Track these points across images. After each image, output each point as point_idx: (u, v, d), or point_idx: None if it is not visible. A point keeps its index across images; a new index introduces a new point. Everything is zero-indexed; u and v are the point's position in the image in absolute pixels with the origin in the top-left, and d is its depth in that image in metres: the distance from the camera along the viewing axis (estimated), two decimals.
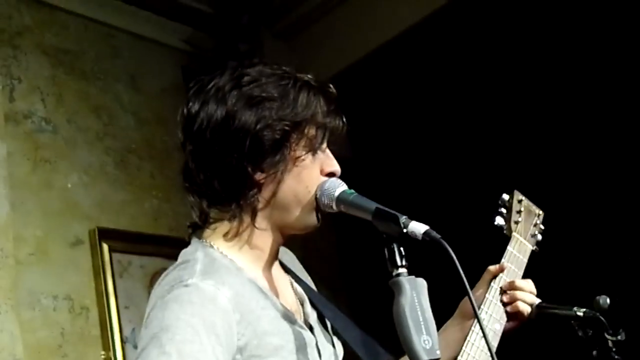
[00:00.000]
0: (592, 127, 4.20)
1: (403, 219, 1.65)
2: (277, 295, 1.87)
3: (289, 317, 1.83)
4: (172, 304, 1.68)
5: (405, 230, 1.64)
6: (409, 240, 1.65)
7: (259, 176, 1.80)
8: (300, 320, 1.90)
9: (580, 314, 2.08)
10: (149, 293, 1.78)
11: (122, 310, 3.85)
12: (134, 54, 4.49)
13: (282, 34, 5.01)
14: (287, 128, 1.79)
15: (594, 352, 2.04)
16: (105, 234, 3.91)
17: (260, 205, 1.83)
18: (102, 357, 3.75)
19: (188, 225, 1.91)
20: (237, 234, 1.85)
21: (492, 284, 2.02)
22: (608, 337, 2.04)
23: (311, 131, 1.83)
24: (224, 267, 1.79)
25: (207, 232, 1.87)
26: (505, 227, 2.11)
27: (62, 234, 3.83)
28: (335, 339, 2.01)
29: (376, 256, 1.66)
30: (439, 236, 1.61)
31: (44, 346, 3.60)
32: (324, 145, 1.87)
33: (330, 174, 1.87)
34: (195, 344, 1.63)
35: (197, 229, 1.89)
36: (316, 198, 1.84)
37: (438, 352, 1.57)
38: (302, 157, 1.82)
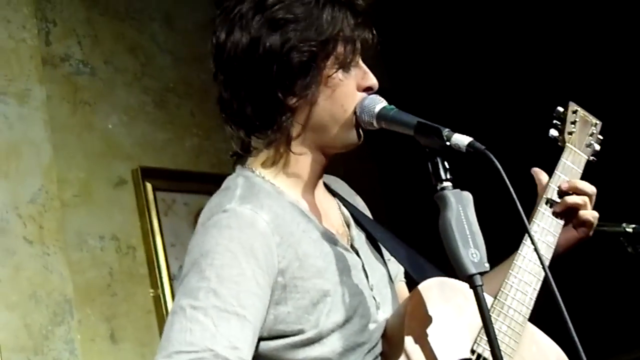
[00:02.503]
0: None
1: (446, 131, 1.62)
2: (320, 218, 1.86)
3: (331, 239, 1.82)
4: (211, 229, 1.69)
5: (448, 143, 1.61)
6: (453, 153, 1.62)
7: (290, 100, 1.78)
8: (346, 243, 1.88)
9: (629, 230, 2.05)
10: (194, 230, 1.78)
11: (169, 248, 3.87)
12: None
13: None
14: (313, 48, 1.76)
15: None
16: (148, 173, 3.93)
17: (295, 130, 1.81)
18: (151, 294, 3.80)
19: (231, 154, 1.91)
20: (275, 160, 1.84)
21: (544, 194, 1.96)
22: None
23: (340, 48, 1.79)
24: (264, 191, 1.78)
25: (250, 159, 1.87)
26: (559, 139, 2.05)
27: (105, 175, 3.85)
28: (389, 259, 1.99)
29: (419, 181, 1.64)
30: (483, 147, 1.58)
31: (93, 286, 3.64)
32: (357, 60, 1.83)
33: (368, 89, 1.83)
34: (234, 268, 1.64)
35: (240, 158, 1.89)
36: (356, 115, 1.80)
37: (487, 264, 1.55)
38: (334, 76, 1.79)
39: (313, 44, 1.75)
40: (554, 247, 1.91)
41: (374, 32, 1.84)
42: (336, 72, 1.79)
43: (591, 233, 1.98)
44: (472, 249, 1.54)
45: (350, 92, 1.82)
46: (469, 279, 1.53)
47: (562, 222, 1.94)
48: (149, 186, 3.92)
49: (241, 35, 1.78)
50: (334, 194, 2.00)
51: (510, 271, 1.86)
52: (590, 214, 1.95)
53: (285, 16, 1.76)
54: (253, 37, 1.77)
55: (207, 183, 3.85)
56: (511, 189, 1.56)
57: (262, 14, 1.77)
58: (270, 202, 1.75)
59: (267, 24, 1.76)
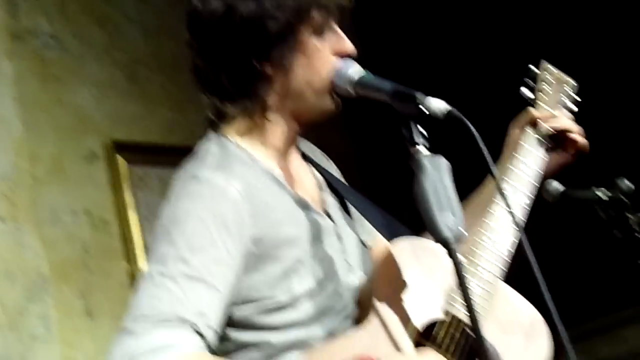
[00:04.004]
0: None
1: (422, 96, 1.62)
2: (293, 184, 1.86)
3: (305, 206, 1.82)
4: (182, 197, 1.69)
5: (425, 109, 1.61)
6: (429, 120, 1.62)
7: (266, 68, 1.78)
8: (319, 208, 1.88)
9: (604, 197, 2.06)
10: None
11: (143, 222, 3.85)
12: None
13: None
14: (289, 16, 1.75)
15: (616, 232, 2.03)
16: (120, 148, 3.89)
17: (272, 99, 1.81)
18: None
19: (206, 120, 1.89)
20: (250, 128, 1.83)
21: (517, 154, 1.96)
22: (630, 216, 2.03)
23: (315, 14, 1.79)
24: (238, 159, 1.77)
25: (224, 127, 1.86)
26: (531, 98, 2.06)
27: (77, 150, 3.81)
28: (362, 223, 1.99)
29: (392, 147, 1.63)
30: (459, 114, 1.58)
31: (68, 262, 3.62)
32: (332, 25, 1.82)
33: (344, 55, 1.83)
34: (204, 237, 1.64)
35: (214, 124, 1.88)
36: (332, 82, 1.80)
37: (462, 230, 1.54)
38: (309, 43, 1.79)
39: (289, 11, 1.75)
40: (527, 207, 1.92)
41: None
42: (312, 38, 1.79)
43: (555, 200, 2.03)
44: (448, 213, 1.53)
45: (326, 59, 1.81)
46: (444, 242, 1.53)
47: (533, 181, 1.95)
48: (121, 160, 3.89)
49: (217, 3, 1.77)
50: (307, 158, 2.00)
51: (481, 230, 1.86)
52: (579, 136, 1.99)
53: None
54: (229, 4, 1.76)
55: (180, 156, 3.78)
56: (486, 153, 1.57)
57: None
58: (243, 170, 1.75)
59: None
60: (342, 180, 2.06)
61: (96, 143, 3.87)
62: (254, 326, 1.74)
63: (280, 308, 1.73)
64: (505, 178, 1.93)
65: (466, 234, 1.55)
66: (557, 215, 2.02)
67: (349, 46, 1.84)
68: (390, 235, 1.91)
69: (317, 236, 1.80)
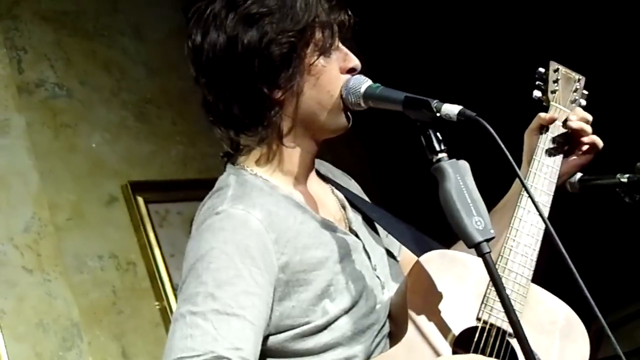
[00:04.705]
0: None
1: (434, 102, 1.62)
2: (316, 207, 1.85)
3: (329, 227, 1.81)
4: (205, 233, 1.68)
5: (438, 114, 1.60)
6: (444, 124, 1.62)
7: (276, 94, 1.77)
8: (344, 227, 1.88)
9: (624, 180, 2.06)
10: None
11: (168, 259, 3.86)
12: (133, 4, 4.42)
13: None
14: (292, 39, 1.74)
15: None
16: (137, 187, 3.91)
17: (285, 123, 1.80)
18: (157, 307, 3.78)
19: (222, 155, 1.89)
20: (268, 156, 1.82)
21: (534, 156, 1.97)
22: None
23: (318, 34, 1.78)
24: (257, 189, 1.76)
25: (241, 158, 1.85)
26: (543, 99, 2.06)
27: (96, 195, 3.83)
28: (388, 237, 1.99)
29: (409, 157, 1.63)
30: (474, 114, 1.57)
31: (98, 307, 3.64)
32: (336, 43, 1.81)
33: (351, 70, 1.82)
34: (230, 270, 1.63)
35: (231, 157, 1.87)
36: (342, 98, 1.80)
37: (492, 231, 1.55)
38: (316, 63, 1.78)
39: (291, 34, 1.74)
40: (549, 206, 1.92)
41: (349, 13, 1.82)
42: (317, 58, 1.78)
43: (577, 190, 2.02)
44: (476, 217, 1.53)
45: (334, 77, 1.80)
46: (476, 246, 1.53)
47: (554, 181, 1.95)
48: (140, 200, 3.90)
49: (217, 35, 1.76)
50: (326, 179, 2.00)
51: (508, 235, 1.86)
52: (594, 137, 1.98)
53: (260, 10, 1.75)
54: (230, 35, 1.75)
55: (197, 189, 3.81)
56: (506, 152, 1.56)
57: (236, 11, 1.76)
58: (263, 200, 1.74)
59: (242, 20, 1.75)
60: (364, 196, 2.06)
61: (114, 186, 3.89)
62: (291, 353, 1.73)
63: (316, 332, 1.72)
64: (528, 181, 1.93)
65: (494, 235, 1.55)
66: (583, 204, 2.00)
67: (355, 61, 1.83)
68: (416, 247, 1.90)
69: (345, 255, 1.79)
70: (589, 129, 1.98)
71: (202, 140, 4.05)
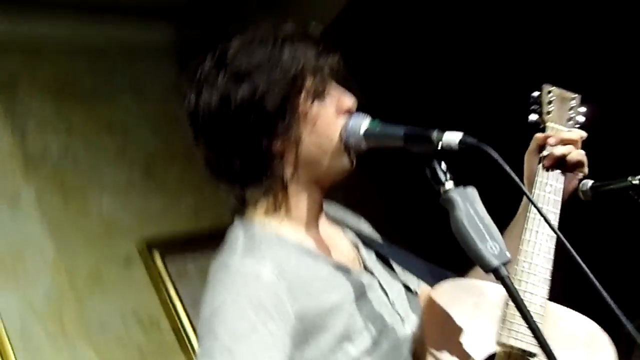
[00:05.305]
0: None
1: (434, 133, 1.62)
2: (328, 250, 1.84)
3: (343, 269, 1.80)
4: (218, 287, 1.68)
5: (440, 145, 1.61)
6: (447, 153, 1.62)
7: (275, 145, 1.77)
8: (358, 267, 1.88)
9: (636, 182, 2.05)
10: None
11: (191, 311, 3.86)
12: (129, 65, 4.47)
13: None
14: (284, 89, 1.74)
15: None
16: (152, 245, 3.93)
17: (288, 172, 1.80)
18: None
19: (231, 211, 1.88)
20: (276, 206, 1.82)
21: (536, 177, 1.96)
22: None
23: (309, 81, 1.77)
24: (266, 240, 1.76)
25: (249, 210, 1.85)
26: (539, 121, 2.06)
27: (112, 256, 3.85)
28: (404, 273, 1.98)
29: (419, 188, 1.63)
30: (475, 140, 1.57)
31: None
32: (329, 87, 1.81)
33: (347, 111, 1.82)
34: (244, 323, 1.61)
35: (240, 210, 1.87)
36: (343, 141, 1.79)
37: (507, 254, 1.54)
38: (311, 109, 1.78)
39: (282, 84, 1.74)
40: (557, 223, 1.91)
41: (338, 54, 1.83)
42: (312, 104, 1.78)
43: (585, 171, 1.98)
44: (490, 242, 1.52)
45: (331, 120, 1.80)
46: (494, 272, 1.52)
47: (559, 198, 1.95)
48: (157, 256, 3.92)
49: (210, 95, 1.77)
50: (336, 220, 1.99)
51: (519, 257, 1.84)
52: (576, 154, 1.95)
53: (248, 65, 1.75)
54: (222, 94, 1.76)
55: (211, 240, 3.83)
56: (513, 174, 1.55)
57: (225, 69, 1.77)
58: (273, 250, 1.73)
59: (232, 77, 1.76)
60: (375, 234, 2.06)
61: (129, 245, 3.91)
62: None
63: None
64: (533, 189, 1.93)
65: (510, 258, 1.54)
66: (592, 212, 1.99)
67: (350, 101, 1.82)
68: (433, 280, 1.89)
69: (361, 295, 1.78)
70: (571, 150, 1.96)
71: (211, 189, 4.02)
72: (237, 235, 1.79)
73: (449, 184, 1.59)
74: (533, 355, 1.73)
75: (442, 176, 1.60)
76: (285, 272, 1.69)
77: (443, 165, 1.61)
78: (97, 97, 4.24)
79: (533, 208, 1.88)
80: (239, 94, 1.74)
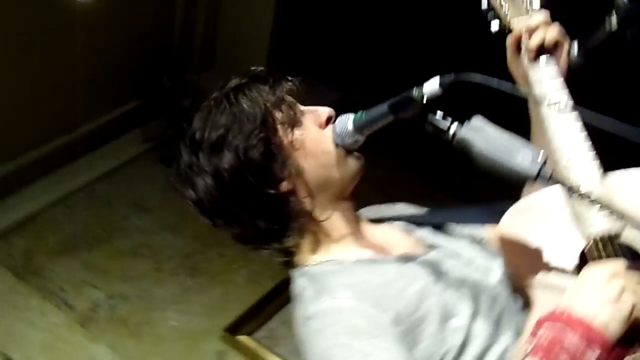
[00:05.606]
0: None
1: (414, 91, 1.61)
2: (385, 250, 1.86)
3: (408, 259, 1.82)
4: (312, 340, 1.67)
5: (425, 99, 1.60)
6: (435, 103, 1.60)
7: (283, 187, 1.79)
8: (422, 248, 1.88)
9: (614, 21, 2.01)
10: None
11: None
12: (119, 186, 4.58)
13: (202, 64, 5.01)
14: (261, 135, 1.77)
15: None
16: (234, 330, 3.94)
17: (308, 203, 1.81)
18: None
19: (282, 266, 1.90)
20: (316, 240, 1.84)
21: (530, 73, 1.92)
22: None
23: (278, 114, 1.80)
24: (328, 275, 1.77)
25: (297, 258, 1.87)
26: (502, 25, 2.00)
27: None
28: (465, 228, 1.98)
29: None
30: (452, 75, 1.57)
31: None
32: (299, 110, 1.84)
33: (328, 120, 1.84)
34: (356, 355, 1.59)
35: (290, 263, 1.88)
36: (339, 147, 1.80)
37: (541, 152, 1.51)
38: (294, 138, 1.79)
39: (257, 132, 1.77)
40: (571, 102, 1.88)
41: (290, 78, 1.86)
42: (292, 133, 1.80)
43: (567, 41, 1.94)
44: (519, 155, 1.50)
45: (318, 136, 1.82)
46: (538, 175, 1.49)
47: (561, 79, 1.89)
48: (243, 339, 3.92)
49: (204, 180, 1.79)
50: (377, 220, 2.00)
51: (555, 156, 1.78)
52: (550, 34, 1.91)
53: (219, 133, 1.78)
54: (212, 172, 1.78)
55: (281, 293, 3.87)
56: (503, 85, 1.55)
57: (201, 149, 1.79)
58: (339, 279, 1.74)
59: (211, 152, 1.78)
60: (418, 209, 2.06)
61: (215, 341, 3.91)
62: None
63: (463, 351, 1.71)
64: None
65: (545, 156, 1.52)
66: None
67: (326, 112, 1.84)
68: (494, 218, 1.86)
69: (438, 271, 1.78)
70: (541, 33, 1.91)
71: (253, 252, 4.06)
72: (302, 285, 1.79)
73: (454, 126, 1.58)
74: (618, 236, 1.69)
75: (443, 124, 1.59)
76: (361, 292, 1.69)
77: (439, 113, 1.60)
78: (113, 234, 4.31)
79: (544, 105, 1.85)
80: (225, 163, 1.76)
